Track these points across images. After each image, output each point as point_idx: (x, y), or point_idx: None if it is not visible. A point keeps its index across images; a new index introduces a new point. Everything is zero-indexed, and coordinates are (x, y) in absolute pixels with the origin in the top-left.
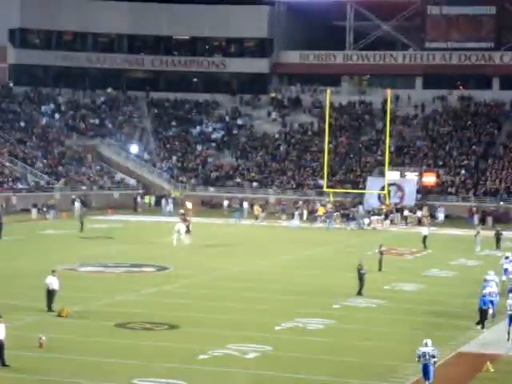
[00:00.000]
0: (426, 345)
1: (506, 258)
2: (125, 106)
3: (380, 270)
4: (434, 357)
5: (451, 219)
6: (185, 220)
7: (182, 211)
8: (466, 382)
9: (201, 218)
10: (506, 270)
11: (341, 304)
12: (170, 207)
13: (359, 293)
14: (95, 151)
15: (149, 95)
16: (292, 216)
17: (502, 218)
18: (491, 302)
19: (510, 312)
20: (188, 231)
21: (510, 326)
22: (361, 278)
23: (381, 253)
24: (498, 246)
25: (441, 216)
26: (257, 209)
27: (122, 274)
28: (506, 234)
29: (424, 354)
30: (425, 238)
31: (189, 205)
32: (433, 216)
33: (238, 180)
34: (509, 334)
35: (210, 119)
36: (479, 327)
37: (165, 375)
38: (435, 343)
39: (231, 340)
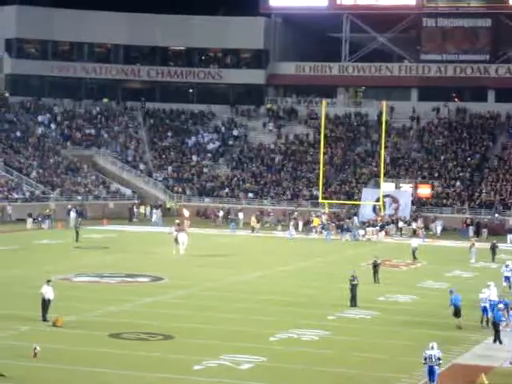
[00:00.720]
0: (432, 348)
1: (507, 266)
2: (120, 117)
3: (376, 281)
4: (439, 359)
5: (446, 231)
6: (180, 230)
7: (177, 221)
8: None
9: (196, 229)
10: (506, 278)
11: (336, 315)
12: (155, 217)
13: (352, 304)
14: (91, 161)
15: (144, 106)
16: (287, 227)
17: (497, 229)
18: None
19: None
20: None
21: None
22: (352, 289)
23: (375, 265)
24: (493, 259)
25: (438, 229)
26: (253, 220)
27: (117, 285)
28: (500, 246)
29: (430, 357)
30: (414, 249)
31: (186, 213)
32: (427, 228)
33: (230, 190)
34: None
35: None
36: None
37: None
38: None
39: (225, 351)
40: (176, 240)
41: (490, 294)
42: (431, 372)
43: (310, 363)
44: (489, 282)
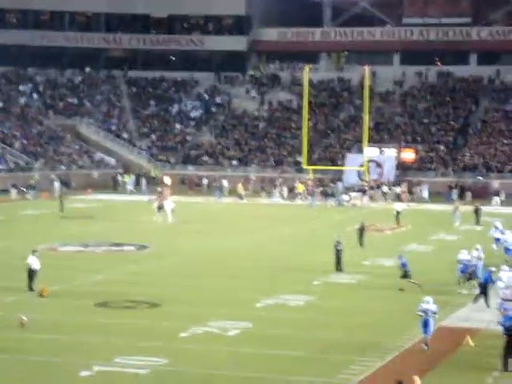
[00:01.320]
0: (428, 302)
1: (496, 227)
2: (103, 85)
3: (361, 245)
4: (435, 313)
5: (430, 195)
6: (163, 198)
7: (159, 189)
8: (447, 356)
9: (180, 197)
10: (497, 240)
11: (321, 280)
12: (131, 186)
13: (338, 269)
14: (74, 131)
15: (127, 74)
16: (272, 193)
17: (481, 192)
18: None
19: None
20: (161, 208)
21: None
22: (337, 254)
23: (361, 229)
24: (477, 221)
25: (425, 194)
26: (240, 187)
27: (103, 254)
28: (484, 208)
29: (425, 311)
30: (398, 213)
31: (167, 181)
32: (411, 192)
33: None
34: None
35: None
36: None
37: (146, 353)
38: (414, 318)
39: (212, 317)
40: (159, 208)
41: (479, 255)
42: (426, 325)
43: (297, 328)
44: (477, 245)
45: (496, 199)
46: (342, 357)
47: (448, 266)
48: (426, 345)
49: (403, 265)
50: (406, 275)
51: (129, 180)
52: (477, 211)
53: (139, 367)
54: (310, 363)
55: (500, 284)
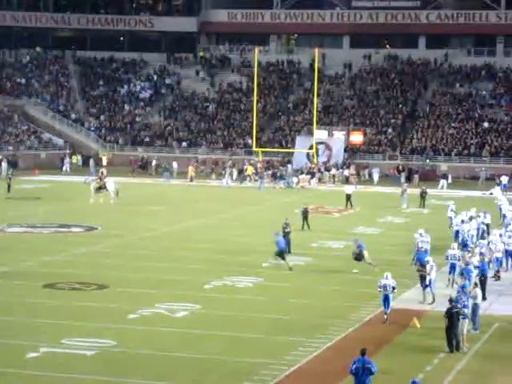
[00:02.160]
0: (387, 278)
1: (450, 208)
2: (51, 65)
3: (303, 228)
4: (394, 288)
5: (379, 177)
6: (100, 178)
7: (102, 170)
8: (394, 337)
9: (129, 179)
10: (450, 218)
11: (270, 262)
12: (67, 167)
13: (287, 251)
14: (22, 111)
15: (75, 54)
16: (221, 175)
17: (429, 175)
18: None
19: (451, 261)
20: (101, 188)
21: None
22: (285, 236)
23: (305, 212)
24: (422, 205)
25: (376, 177)
26: (191, 169)
27: (50, 235)
28: (431, 191)
29: (385, 286)
30: (348, 196)
31: (104, 160)
32: (359, 174)
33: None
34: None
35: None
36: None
37: (94, 335)
38: (362, 300)
39: (160, 299)
40: (99, 189)
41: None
42: (386, 300)
43: (245, 310)
44: (420, 229)
45: (442, 182)
46: (290, 338)
47: (395, 248)
48: (387, 319)
49: (359, 247)
50: (360, 258)
51: (65, 160)
52: (422, 194)
53: (87, 349)
54: (258, 344)
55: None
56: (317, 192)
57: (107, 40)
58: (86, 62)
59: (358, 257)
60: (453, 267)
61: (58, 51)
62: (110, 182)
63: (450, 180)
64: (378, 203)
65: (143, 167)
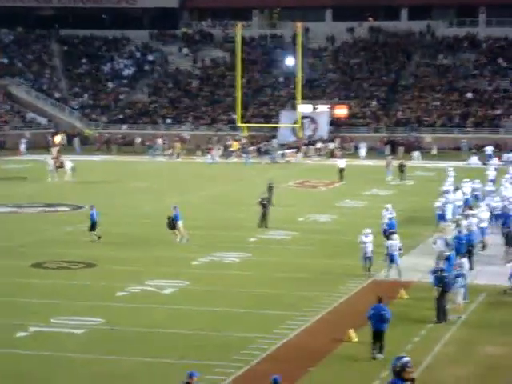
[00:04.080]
0: (367, 235)
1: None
2: (34, 45)
3: (271, 204)
4: (400, 249)
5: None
6: (57, 158)
7: (54, 149)
8: None
9: (114, 156)
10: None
11: (257, 237)
12: (23, 147)
13: (263, 225)
14: (5, 91)
15: (58, 33)
16: (207, 152)
17: (413, 147)
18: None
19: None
20: (59, 167)
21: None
22: (263, 210)
23: (270, 188)
24: (402, 177)
25: (363, 151)
26: (178, 146)
27: (37, 214)
28: (417, 162)
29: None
30: (341, 170)
31: (57, 139)
32: (344, 148)
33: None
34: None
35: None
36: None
37: (83, 313)
38: (349, 272)
39: (148, 276)
40: (58, 167)
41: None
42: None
43: (233, 285)
44: (388, 205)
45: (416, 154)
46: (279, 312)
47: (381, 221)
48: (369, 271)
49: (175, 216)
50: (173, 226)
51: (23, 140)
52: (401, 167)
53: (76, 327)
54: (247, 319)
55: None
56: (302, 166)
57: (89, 18)
58: (68, 41)
59: (172, 224)
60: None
61: (40, 30)
62: (67, 161)
63: (435, 151)
64: (364, 176)
65: (107, 145)
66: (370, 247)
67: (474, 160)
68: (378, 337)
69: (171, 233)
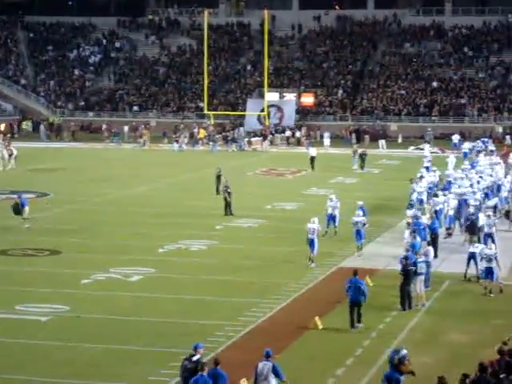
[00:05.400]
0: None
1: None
2: None
3: (218, 193)
4: (364, 224)
5: (330, 139)
6: (8, 145)
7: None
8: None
9: (80, 144)
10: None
11: (223, 225)
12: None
13: (228, 213)
14: None
15: (23, 19)
16: (173, 139)
17: (379, 135)
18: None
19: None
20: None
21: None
22: (226, 198)
23: (218, 176)
24: (361, 166)
25: (327, 141)
26: (144, 133)
27: (2, 202)
28: (382, 151)
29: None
30: (312, 158)
31: (1, 127)
32: (310, 136)
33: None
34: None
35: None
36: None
37: (48, 300)
38: (315, 261)
39: (114, 264)
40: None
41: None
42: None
43: (199, 272)
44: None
45: (381, 142)
46: (243, 299)
47: (347, 208)
48: (312, 260)
49: (20, 200)
50: (18, 211)
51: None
52: (362, 156)
53: (41, 314)
54: (213, 306)
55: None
56: (269, 154)
57: (55, 4)
58: (34, 27)
59: (17, 208)
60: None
61: (5, 17)
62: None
63: (400, 140)
64: (330, 164)
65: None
66: (316, 236)
67: (427, 148)
68: (355, 307)
69: (19, 218)
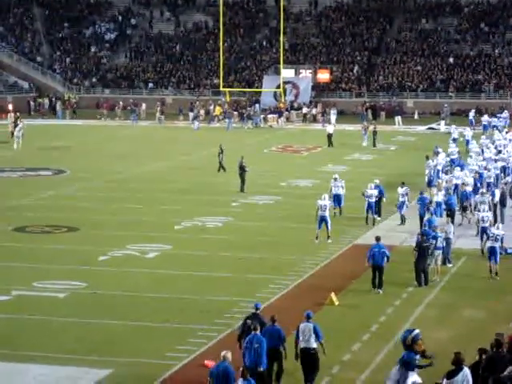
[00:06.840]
0: (324, 198)
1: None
2: (15, 8)
3: (220, 170)
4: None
5: (346, 115)
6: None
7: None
8: (362, 273)
9: (97, 121)
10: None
11: (239, 201)
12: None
13: (242, 190)
14: None
15: None
16: (189, 116)
17: (395, 112)
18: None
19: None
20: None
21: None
22: (242, 175)
23: (221, 151)
24: (374, 144)
25: (333, 118)
26: (158, 111)
27: (19, 179)
28: (398, 127)
29: (322, 206)
30: (330, 135)
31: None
32: (326, 113)
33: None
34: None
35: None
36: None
37: (66, 277)
38: (331, 237)
39: (131, 241)
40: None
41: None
42: (322, 220)
43: (215, 249)
44: (376, 179)
45: (398, 119)
46: (259, 276)
47: (361, 185)
48: (317, 237)
49: None
50: None
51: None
52: (373, 133)
53: (58, 291)
54: (230, 283)
55: None
56: (285, 131)
57: None
58: (50, 4)
59: None
60: (370, 206)
61: None
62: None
63: (416, 116)
64: (345, 141)
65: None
66: (327, 213)
67: (443, 125)
68: (377, 272)
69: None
